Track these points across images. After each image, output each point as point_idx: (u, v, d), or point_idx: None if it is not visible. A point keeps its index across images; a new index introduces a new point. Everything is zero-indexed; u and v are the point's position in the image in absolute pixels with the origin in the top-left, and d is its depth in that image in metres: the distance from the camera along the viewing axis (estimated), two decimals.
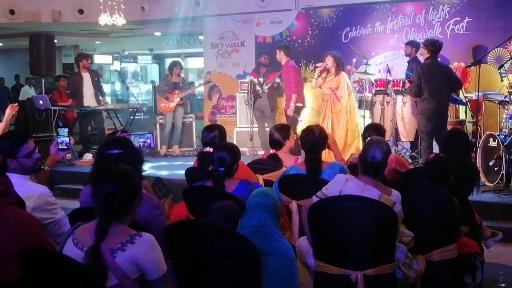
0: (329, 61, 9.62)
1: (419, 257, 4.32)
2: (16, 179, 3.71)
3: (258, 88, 11.14)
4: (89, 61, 12.49)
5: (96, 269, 2.98)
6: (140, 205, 3.27)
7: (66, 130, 5.05)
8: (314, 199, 4.14)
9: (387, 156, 4.23)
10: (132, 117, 12.44)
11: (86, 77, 12.12)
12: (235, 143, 11.14)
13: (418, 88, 8.81)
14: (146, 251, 3.06)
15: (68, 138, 4.94)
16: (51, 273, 3.05)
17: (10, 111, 6.65)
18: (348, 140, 9.48)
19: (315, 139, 5.39)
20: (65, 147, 4.92)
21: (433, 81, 8.82)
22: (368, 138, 5.03)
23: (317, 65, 9.84)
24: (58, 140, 4.90)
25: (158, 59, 22.47)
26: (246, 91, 11.35)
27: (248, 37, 13.21)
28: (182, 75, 13.08)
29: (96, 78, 12.33)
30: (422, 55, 9.26)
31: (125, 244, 3.04)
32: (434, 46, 8.89)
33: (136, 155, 4.09)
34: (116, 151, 4.01)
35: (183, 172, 5.97)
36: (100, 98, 12.44)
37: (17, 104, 6.79)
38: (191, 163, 6.34)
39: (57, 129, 5.09)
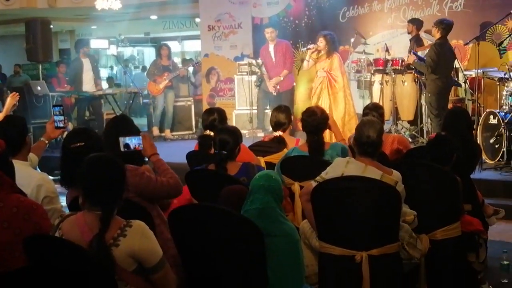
0: (321, 43, 9.45)
1: (423, 236, 4.32)
2: (17, 166, 3.69)
3: (256, 70, 11.09)
4: (88, 47, 12.44)
5: (103, 258, 2.97)
6: (124, 194, 3.25)
7: (60, 108, 5.00)
8: (313, 183, 4.13)
9: (381, 134, 4.24)
10: (131, 102, 12.42)
11: (86, 62, 12.10)
12: (234, 125, 11.26)
13: (436, 65, 8.83)
14: (139, 241, 3.06)
15: (63, 117, 4.92)
16: (56, 260, 3.03)
17: (10, 100, 6.60)
18: (345, 120, 9.44)
19: (317, 120, 5.40)
20: (62, 125, 4.91)
21: (447, 60, 8.93)
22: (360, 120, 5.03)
23: (309, 46, 9.75)
24: (55, 118, 4.89)
25: (155, 42, 22.38)
26: (245, 73, 11.33)
27: (244, 19, 13.12)
28: (173, 59, 13.03)
29: (95, 64, 12.32)
30: (433, 35, 9.24)
31: (117, 238, 3.02)
32: (446, 26, 8.93)
33: (99, 145, 4.04)
34: (79, 144, 3.99)
35: (183, 155, 5.95)
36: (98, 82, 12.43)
37: (18, 93, 6.74)
38: (192, 146, 6.31)
39: (51, 108, 5.07)
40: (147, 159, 4.27)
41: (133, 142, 4.09)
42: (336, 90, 9.43)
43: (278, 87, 10.78)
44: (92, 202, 3.10)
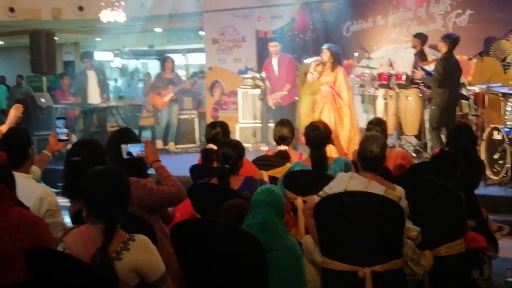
0: (325, 55, 9.35)
1: (427, 252, 4.30)
2: (19, 179, 3.68)
3: (260, 83, 11.09)
4: (91, 59, 12.46)
5: (106, 272, 2.95)
6: (129, 207, 3.24)
7: (63, 120, 5.02)
8: (316, 198, 4.12)
9: (384, 149, 4.24)
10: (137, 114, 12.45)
11: (91, 75, 12.12)
12: (237, 138, 11.21)
13: (442, 79, 8.87)
14: (143, 255, 3.04)
15: (66, 129, 4.93)
16: (57, 273, 3.03)
17: (14, 112, 6.59)
18: (350, 135, 9.39)
19: (320, 135, 5.39)
20: (65, 137, 4.92)
21: (454, 74, 8.99)
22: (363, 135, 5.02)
23: (313, 59, 9.70)
24: (58, 131, 4.89)
25: (160, 55, 22.41)
26: (249, 87, 11.35)
27: (249, 32, 13.16)
28: (177, 71, 13.05)
29: (101, 77, 12.32)
30: (439, 50, 9.27)
31: (120, 252, 3.01)
32: (453, 40, 8.99)
33: (103, 157, 4.04)
34: (80, 156, 3.99)
35: (187, 168, 5.95)
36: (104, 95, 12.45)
37: (22, 105, 6.73)
38: (195, 159, 6.31)
39: (55, 121, 5.09)
40: (149, 169, 4.28)
41: (136, 149, 4.10)
42: (341, 105, 9.32)
43: (280, 100, 10.77)
44: (96, 215, 3.08)
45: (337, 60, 9.39)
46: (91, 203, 3.10)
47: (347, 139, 9.09)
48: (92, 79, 12.12)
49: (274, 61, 10.99)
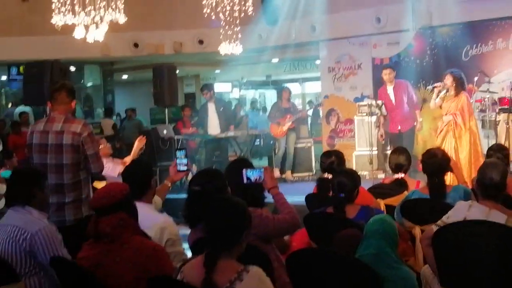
0: (448, 81, 9.17)
1: None
2: (142, 208, 3.84)
3: (376, 111, 10.99)
4: (210, 91, 12.75)
5: None
6: (248, 238, 3.25)
7: (183, 152, 5.20)
8: (434, 228, 4.04)
9: (505, 176, 4.11)
10: (252, 143, 12.63)
11: (211, 106, 12.46)
12: (354, 166, 11.20)
13: None
14: (257, 286, 3.04)
15: (186, 160, 5.09)
16: None
17: (138, 143, 6.89)
18: (471, 162, 9.10)
19: (438, 162, 5.29)
20: (184, 168, 5.08)
21: None
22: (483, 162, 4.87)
23: (435, 85, 9.52)
24: (177, 161, 5.07)
25: (276, 84, 22.72)
26: (365, 114, 11.28)
27: (364, 60, 13.12)
28: (293, 101, 13.16)
29: (221, 108, 12.60)
30: None
31: (234, 282, 3.01)
32: None
33: (223, 189, 4.12)
34: (198, 188, 4.11)
35: (303, 197, 6.00)
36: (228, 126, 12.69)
37: (145, 137, 7.02)
38: (311, 187, 6.36)
39: (175, 152, 5.29)
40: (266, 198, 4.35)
41: (255, 174, 4.21)
42: (463, 132, 9.09)
43: (399, 127, 10.57)
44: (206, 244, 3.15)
45: (460, 85, 9.18)
46: (206, 231, 3.17)
47: (468, 166, 8.82)
48: (211, 110, 12.44)
49: (390, 89, 10.79)
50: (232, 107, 19.10)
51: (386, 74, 10.74)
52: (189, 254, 4.09)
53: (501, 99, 9.96)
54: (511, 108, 9.68)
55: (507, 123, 9.74)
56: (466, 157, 8.97)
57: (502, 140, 9.53)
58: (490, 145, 6.69)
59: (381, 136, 10.95)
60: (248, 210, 3.26)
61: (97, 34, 10.36)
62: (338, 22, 13.00)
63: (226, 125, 12.57)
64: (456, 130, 9.09)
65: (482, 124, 10.37)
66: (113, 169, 6.86)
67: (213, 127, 12.42)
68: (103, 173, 5.82)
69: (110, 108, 18.63)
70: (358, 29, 13.00)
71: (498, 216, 3.92)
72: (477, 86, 10.75)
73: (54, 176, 5.09)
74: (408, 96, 10.82)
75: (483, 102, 10.35)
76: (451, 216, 4.09)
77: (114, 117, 18.81)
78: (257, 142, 14.60)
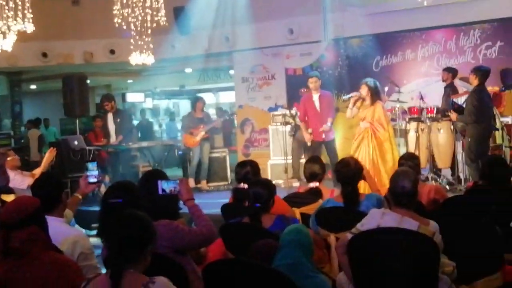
0: (363, 90, 9.18)
1: (463, 287, 4.23)
2: (53, 222, 3.71)
3: (290, 120, 11.09)
4: (111, 102, 12.51)
5: None
6: (152, 251, 3.15)
7: (95, 163, 5.07)
8: (348, 235, 4.09)
9: (416, 184, 4.20)
10: (166, 154, 12.50)
11: (109, 117, 12.29)
12: (269, 175, 11.26)
13: (477, 112, 8.87)
14: None
15: (97, 172, 4.97)
16: None
17: (49, 155, 6.69)
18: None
19: (351, 171, 5.36)
20: (95, 179, 4.95)
21: (486, 106, 8.98)
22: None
23: (351, 94, 9.58)
24: (88, 174, 4.94)
25: (190, 94, 22.62)
26: (280, 123, 11.36)
27: (278, 70, 13.26)
28: (207, 110, 13.13)
29: (118, 120, 12.38)
30: (470, 82, 9.26)
31: None
32: (484, 73, 9.02)
33: (137, 201, 4.01)
34: (115, 200, 4.00)
35: (218, 207, 5.96)
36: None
37: (55, 148, 6.83)
38: (227, 197, 6.33)
39: (86, 164, 5.15)
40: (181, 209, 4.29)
41: (170, 186, 4.13)
42: (381, 140, 9.02)
43: (323, 136, 10.54)
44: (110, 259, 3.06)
45: (375, 94, 9.19)
46: (108, 247, 3.09)
47: (391, 174, 8.88)
48: (110, 121, 12.28)
49: (316, 97, 10.74)
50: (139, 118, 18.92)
51: (312, 83, 10.67)
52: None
53: (410, 109, 10.23)
54: (421, 117, 9.97)
55: (417, 132, 10.01)
56: (390, 166, 8.83)
57: (412, 148, 9.79)
58: (401, 154, 6.83)
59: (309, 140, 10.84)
60: (152, 224, 3.17)
61: (4, 44, 10.03)
62: (251, 32, 13.08)
63: (123, 135, 12.40)
64: (374, 138, 9.08)
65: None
66: (21, 181, 6.67)
67: (112, 138, 12.28)
68: (11, 185, 5.62)
69: (37, 118, 18.05)
70: (271, 40, 13.12)
71: (410, 223, 3.99)
72: (387, 96, 11.02)
73: None
74: (332, 106, 10.80)
75: (393, 111, 10.59)
76: (365, 224, 4.14)
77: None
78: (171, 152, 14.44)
